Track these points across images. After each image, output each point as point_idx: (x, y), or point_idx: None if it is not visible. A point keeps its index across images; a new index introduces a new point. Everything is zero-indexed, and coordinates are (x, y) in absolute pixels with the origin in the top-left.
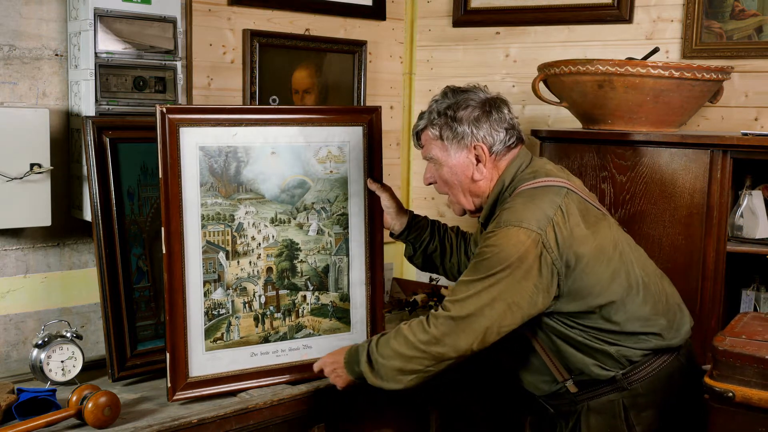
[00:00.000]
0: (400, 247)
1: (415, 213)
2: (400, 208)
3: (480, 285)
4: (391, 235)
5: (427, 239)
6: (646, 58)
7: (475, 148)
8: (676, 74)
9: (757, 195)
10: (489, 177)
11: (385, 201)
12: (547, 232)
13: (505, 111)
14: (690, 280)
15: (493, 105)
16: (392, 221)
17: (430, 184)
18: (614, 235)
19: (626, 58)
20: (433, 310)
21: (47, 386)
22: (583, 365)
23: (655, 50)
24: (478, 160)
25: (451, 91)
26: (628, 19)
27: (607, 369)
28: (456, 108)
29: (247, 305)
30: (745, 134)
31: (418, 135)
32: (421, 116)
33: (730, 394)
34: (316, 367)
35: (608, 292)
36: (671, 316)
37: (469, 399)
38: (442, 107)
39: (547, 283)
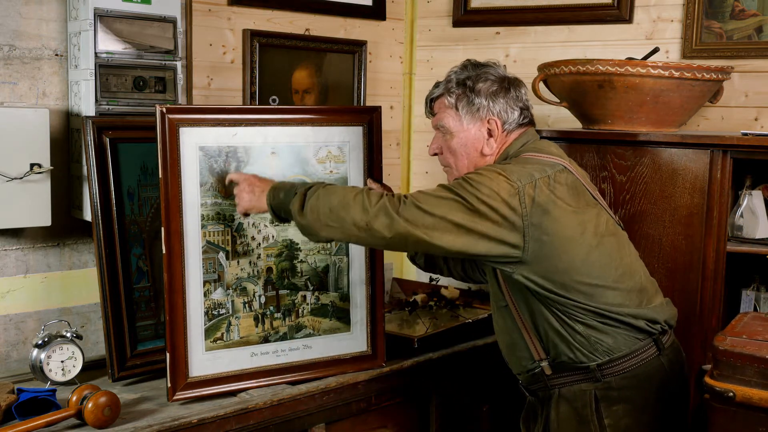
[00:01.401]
0: None
1: None
2: None
3: (446, 194)
4: None
5: None
6: (646, 58)
7: (489, 122)
8: (676, 74)
9: (757, 195)
10: (496, 152)
11: None
12: (526, 188)
13: (522, 91)
14: (690, 280)
15: (511, 83)
16: None
17: (435, 154)
18: (599, 224)
19: (626, 58)
20: (395, 192)
21: (47, 386)
22: (554, 341)
23: (655, 50)
24: (490, 135)
25: (471, 64)
26: (628, 19)
27: (577, 349)
28: (475, 80)
29: (247, 305)
30: (745, 134)
31: (432, 102)
32: (437, 85)
33: (731, 393)
34: (233, 177)
35: (577, 274)
36: (644, 314)
37: (469, 397)
38: (461, 77)
39: (505, 234)
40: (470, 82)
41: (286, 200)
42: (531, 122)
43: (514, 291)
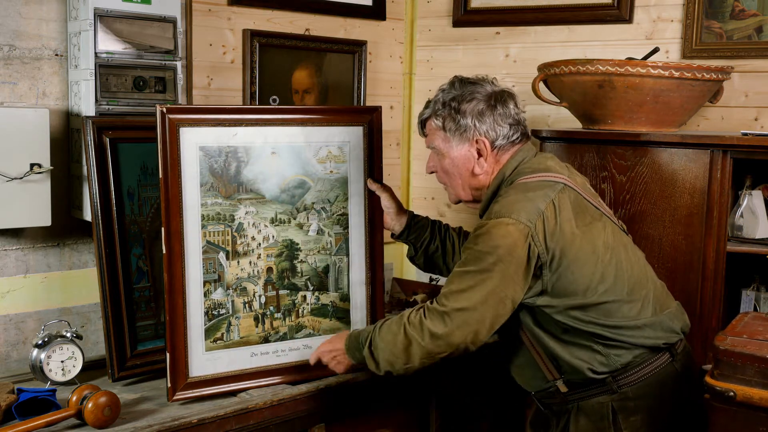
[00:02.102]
0: (400, 247)
1: (415, 213)
2: (400, 209)
3: (473, 279)
4: (392, 235)
5: (427, 239)
6: (646, 58)
7: (477, 142)
8: (676, 74)
9: (757, 195)
10: (489, 171)
11: (385, 201)
12: (537, 225)
13: (511, 106)
14: (690, 280)
15: (498, 99)
16: (392, 222)
17: (432, 173)
18: (607, 237)
19: (626, 58)
20: (429, 304)
21: (47, 386)
22: (570, 364)
23: (655, 50)
24: (480, 155)
25: (459, 82)
26: (628, 19)
27: (595, 369)
28: (461, 100)
29: (247, 305)
30: (745, 134)
31: (423, 123)
32: (427, 105)
33: (732, 393)
34: (312, 359)
35: (594, 293)
36: (660, 322)
37: (470, 397)
38: (447, 98)
39: (531, 277)
40: (455, 103)
41: (363, 359)
42: (525, 136)
43: (526, 315)
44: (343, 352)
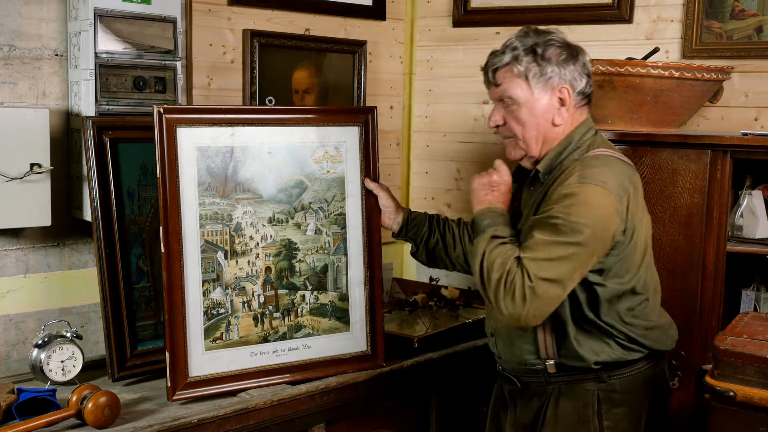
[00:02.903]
0: (400, 247)
1: (412, 210)
2: (398, 207)
3: (564, 250)
4: (393, 234)
5: (426, 233)
6: (646, 58)
7: (560, 90)
8: (676, 74)
9: (757, 195)
10: (566, 124)
11: (383, 200)
12: (623, 201)
13: (587, 58)
14: (690, 280)
15: (577, 49)
16: (389, 221)
17: (496, 126)
18: (648, 233)
19: (626, 58)
20: (522, 276)
21: (47, 386)
22: (575, 351)
23: (655, 50)
24: (562, 104)
25: (533, 31)
26: (628, 19)
27: (599, 361)
28: (544, 46)
29: (246, 305)
30: (745, 134)
31: (495, 72)
32: (497, 53)
33: (731, 393)
34: (474, 180)
35: (630, 281)
36: (667, 326)
37: (469, 397)
38: (527, 44)
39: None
40: (540, 48)
41: (478, 228)
42: (590, 98)
43: None
44: (475, 208)
